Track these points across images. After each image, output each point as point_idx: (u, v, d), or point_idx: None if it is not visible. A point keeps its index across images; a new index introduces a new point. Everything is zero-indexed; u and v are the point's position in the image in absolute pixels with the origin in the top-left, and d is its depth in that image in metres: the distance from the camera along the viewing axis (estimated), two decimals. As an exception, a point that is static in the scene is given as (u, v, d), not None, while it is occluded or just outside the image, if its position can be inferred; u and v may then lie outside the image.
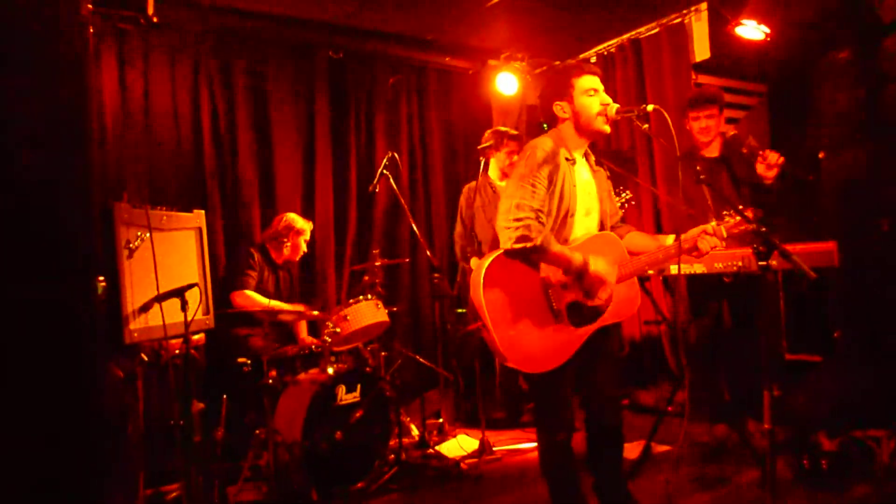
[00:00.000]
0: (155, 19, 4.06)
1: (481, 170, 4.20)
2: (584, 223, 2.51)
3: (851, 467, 2.90)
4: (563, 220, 2.44)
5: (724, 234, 2.46)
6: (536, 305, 2.37)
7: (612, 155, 4.84)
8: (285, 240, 3.99)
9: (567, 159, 2.47)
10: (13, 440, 1.59)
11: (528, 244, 2.28)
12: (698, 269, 3.29)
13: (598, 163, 2.63)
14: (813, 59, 4.62)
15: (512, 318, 2.33)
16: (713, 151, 3.64)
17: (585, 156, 2.58)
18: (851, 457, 2.94)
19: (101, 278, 2.50)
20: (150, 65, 4.30)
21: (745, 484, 3.02)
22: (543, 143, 2.45)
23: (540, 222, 2.33)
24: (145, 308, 2.74)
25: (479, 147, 4.26)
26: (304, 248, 4.11)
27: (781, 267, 2.89)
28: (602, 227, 2.56)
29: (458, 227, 4.33)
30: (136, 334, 2.68)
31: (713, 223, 2.48)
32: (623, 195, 3.57)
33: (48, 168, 1.84)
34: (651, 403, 4.27)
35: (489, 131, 4.33)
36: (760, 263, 2.31)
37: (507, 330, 2.32)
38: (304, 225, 4.09)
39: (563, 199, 2.43)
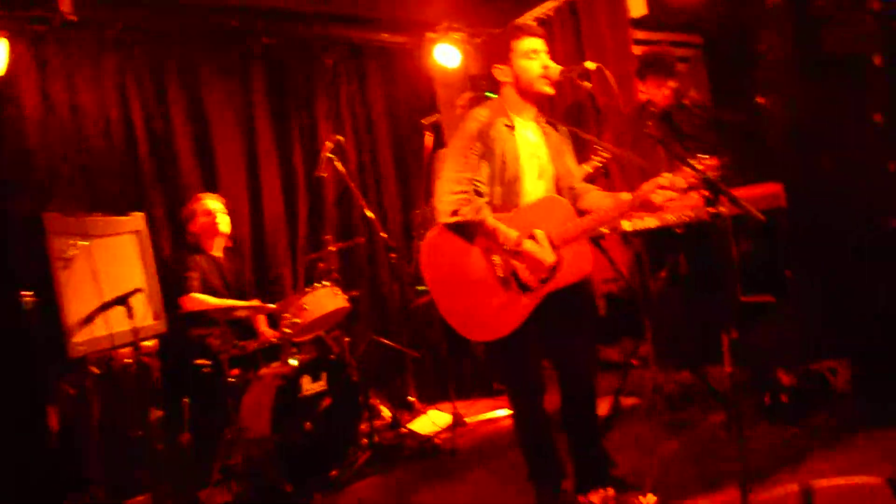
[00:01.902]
0: (72, 17, 3.88)
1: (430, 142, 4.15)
2: (538, 186, 2.48)
3: (810, 398, 2.98)
4: (510, 187, 2.42)
5: (684, 185, 2.34)
6: (482, 275, 2.38)
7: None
8: (195, 220, 3.84)
9: (507, 126, 2.44)
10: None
11: (461, 218, 2.31)
12: (651, 223, 3.30)
13: (549, 123, 2.58)
14: (747, 7, 4.66)
15: (458, 289, 2.37)
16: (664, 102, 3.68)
17: (536, 119, 2.54)
18: (810, 388, 3.03)
19: (28, 294, 2.39)
20: (73, 66, 4.10)
21: (713, 426, 3.09)
22: (477, 114, 2.44)
23: (477, 193, 2.34)
24: (89, 319, 2.65)
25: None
26: (223, 223, 3.89)
27: (731, 212, 2.92)
28: (557, 188, 2.53)
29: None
30: (81, 347, 2.58)
31: (668, 175, 2.40)
32: (596, 158, 3.46)
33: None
34: (616, 359, 4.33)
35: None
36: (710, 210, 2.32)
37: (454, 301, 2.37)
38: (210, 202, 3.88)
39: (506, 166, 2.41)
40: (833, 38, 3.64)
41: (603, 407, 3.43)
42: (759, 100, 4.53)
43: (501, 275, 2.38)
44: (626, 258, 4.50)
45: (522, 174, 2.44)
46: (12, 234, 1.74)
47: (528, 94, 2.47)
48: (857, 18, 3.37)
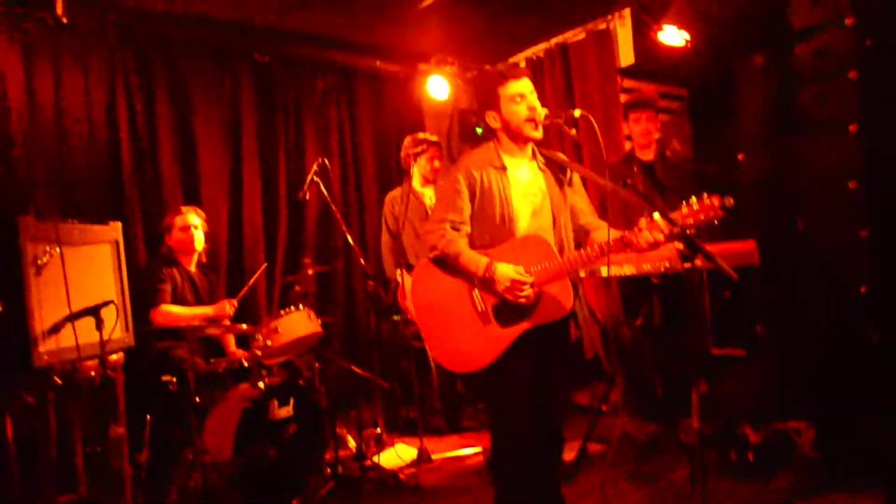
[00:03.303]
0: (64, 20, 3.86)
1: (405, 177, 4.20)
2: (534, 223, 2.52)
3: (775, 458, 3.01)
4: (502, 226, 2.49)
5: (665, 229, 2.31)
6: (462, 308, 2.50)
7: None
8: (172, 232, 3.79)
9: (496, 167, 2.51)
10: None
11: (437, 252, 2.47)
12: (628, 269, 3.34)
13: (548, 162, 2.61)
14: (730, 63, 4.80)
15: (440, 321, 2.52)
16: (649, 154, 3.75)
17: (533, 158, 2.58)
18: (775, 448, 3.06)
19: (-1, 301, 2.33)
20: (61, 68, 4.07)
21: (678, 480, 3.09)
22: (468, 156, 2.57)
23: (454, 229, 2.47)
24: (56, 328, 2.58)
25: (401, 155, 4.25)
26: (198, 239, 3.84)
27: (706, 266, 2.97)
28: (555, 224, 2.54)
29: (385, 236, 4.27)
30: (46, 357, 2.51)
31: (655, 214, 2.33)
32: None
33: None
34: (586, 403, 4.33)
35: (408, 138, 4.31)
36: (685, 265, 2.35)
37: (435, 332, 2.53)
38: (190, 217, 3.82)
39: (498, 205, 2.48)
40: (810, 102, 3.74)
41: (570, 452, 3.43)
42: (740, 157, 4.64)
43: (480, 308, 2.46)
44: (601, 302, 4.54)
45: (515, 214, 2.50)
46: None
47: (517, 137, 2.54)
48: (835, 85, 3.48)
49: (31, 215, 2.59)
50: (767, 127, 4.52)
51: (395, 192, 4.33)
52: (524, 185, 2.55)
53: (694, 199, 2.30)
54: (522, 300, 2.39)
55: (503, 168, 2.53)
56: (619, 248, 2.36)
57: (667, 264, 3.20)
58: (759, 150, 4.58)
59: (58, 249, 2.60)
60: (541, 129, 2.51)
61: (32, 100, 3.92)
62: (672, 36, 4.13)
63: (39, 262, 2.57)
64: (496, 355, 2.43)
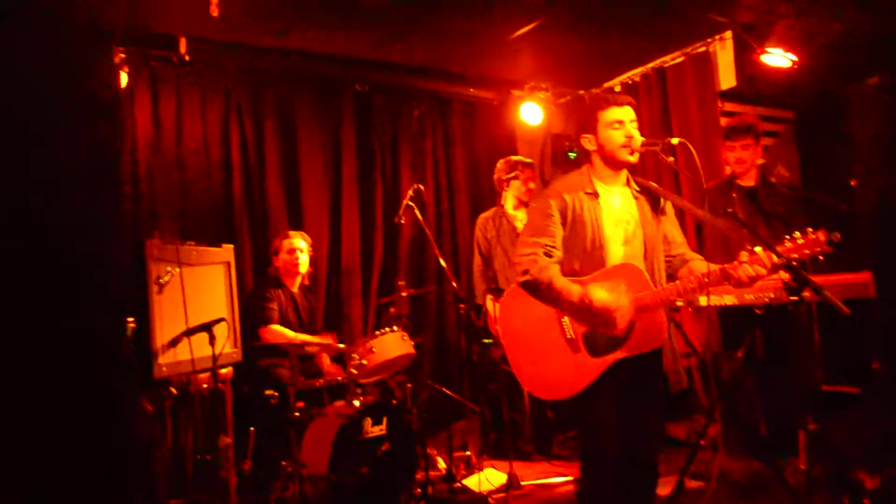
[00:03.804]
0: (187, 58, 4.21)
1: (497, 200, 4.24)
2: (626, 252, 2.49)
3: (895, 505, 2.79)
4: (593, 253, 2.46)
5: (768, 263, 2.25)
6: (551, 335, 2.47)
7: None
8: (279, 255, 4.00)
9: (588, 193, 2.49)
10: (39, 467, 1.62)
11: (528, 277, 2.40)
12: (729, 300, 3.22)
13: (643, 190, 2.58)
14: (842, 86, 4.56)
15: (528, 347, 2.52)
16: (749, 181, 3.61)
17: (627, 184, 2.56)
18: (894, 494, 2.83)
19: (132, 319, 2.55)
20: (182, 102, 4.43)
21: (783, 523, 2.92)
22: (560, 181, 2.56)
23: (548, 255, 2.43)
24: (174, 343, 2.79)
25: (494, 178, 4.30)
26: (303, 263, 4.04)
27: (815, 298, 2.82)
28: (647, 253, 2.51)
29: (477, 259, 4.32)
30: (164, 369, 2.72)
31: (759, 249, 2.28)
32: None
33: (80, 210, 1.88)
34: (682, 437, 4.17)
35: (502, 161, 4.35)
36: (792, 298, 2.25)
37: (523, 358, 2.53)
38: (296, 241, 4.02)
39: (589, 232, 2.46)
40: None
41: (666, 487, 3.32)
42: (852, 182, 4.38)
43: (570, 336, 2.43)
44: (699, 333, 4.38)
45: (606, 241, 2.47)
46: (118, 257, 1.87)
47: (612, 162, 2.52)
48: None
49: (156, 238, 2.83)
50: (884, 151, 4.25)
51: (487, 214, 4.37)
52: (616, 211, 2.51)
53: (798, 233, 2.22)
54: (616, 331, 2.36)
55: (595, 194, 2.50)
56: (718, 282, 2.32)
57: (771, 295, 3.06)
58: (874, 175, 4.31)
59: (178, 269, 2.82)
60: (636, 154, 2.49)
61: (158, 132, 4.29)
62: (777, 58, 3.98)
63: (161, 280, 2.79)
64: (586, 384, 2.39)
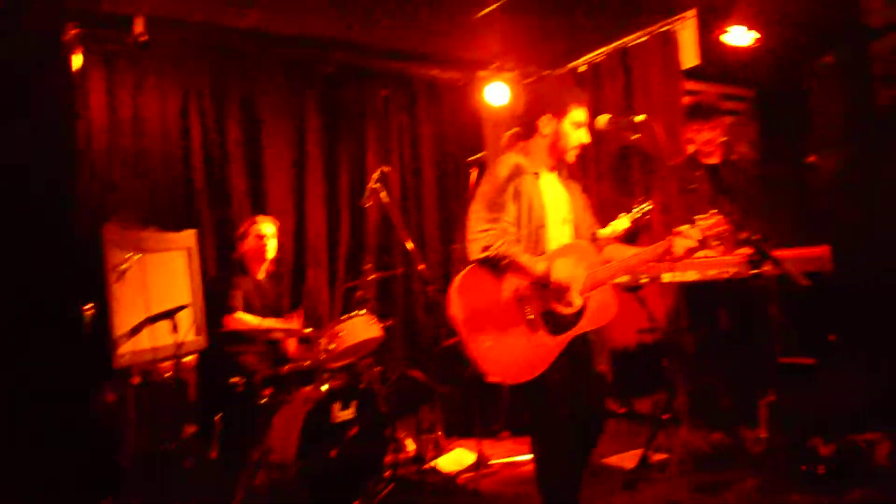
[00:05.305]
0: (143, 38, 4.08)
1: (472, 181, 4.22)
2: (561, 233, 2.55)
3: (847, 471, 2.88)
4: (536, 232, 2.49)
5: (699, 236, 2.42)
6: (510, 316, 2.39)
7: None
8: (246, 241, 3.92)
9: (531, 174, 2.52)
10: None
11: (492, 252, 2.33)
12: (691, 276, 3.28)
13: (569, 177, 2.67)
14: (801, 64, 4.63)
15: (486, 330, 2.36)
16: (713, 159, 3.67)
17: (557, 169, 2.62)
18: (848, 461, 2.93)
19: (89, 306, 2.49)
20: (140, 83, 4.30)
21: (744, 491, 3.00)
22: (507, 159, 2.53)
23: (504, 231, 2.40)
24: (136, 331, 2.73)
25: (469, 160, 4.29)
26: (271, 249, 3.96)
27: (775, 272, 2.89)
28: (577, 233, 2.61)
29: None
30: (126, 357, 2.66)
31: (686, 226, 2.45)
32: (643, 206, 3.43)
33: (35, 195, 1.82)
34: (646, 411, 4.25)
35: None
36: (753, 272, 2.31)
37: (481, 342, 2.35)
38: (264, 226, 3.94)
39: (532, 211, 2.48)
40: (888, 96, 3.60)
41: (631, 461, 3.38)
42: (810, 158, 4.47)
43: (529, 317, 2.40)
44: (663, 309, 4.45)
45: (547, 220, 2.51)
46: (71, 244, 1.81)
47: (556, 154, 2.57)
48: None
49: (113, 223, 2.76)
50: (841, 126, 4.34)
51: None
52: (553, 192, 2.58)
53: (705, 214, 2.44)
54: (574, 306, 2.40)
55: (537, 174, 2.54)
56: (657, 257, 2.49)
57: (732, 269, 3.12)
58: (832, 150, 4.39)
59: (138, 256, 2.76)
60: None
61: (114, 114, 4.16)
62: (739, 36, 4.02)
63: (121, 268, 2.72)
64: (547, 364, 2.39)
